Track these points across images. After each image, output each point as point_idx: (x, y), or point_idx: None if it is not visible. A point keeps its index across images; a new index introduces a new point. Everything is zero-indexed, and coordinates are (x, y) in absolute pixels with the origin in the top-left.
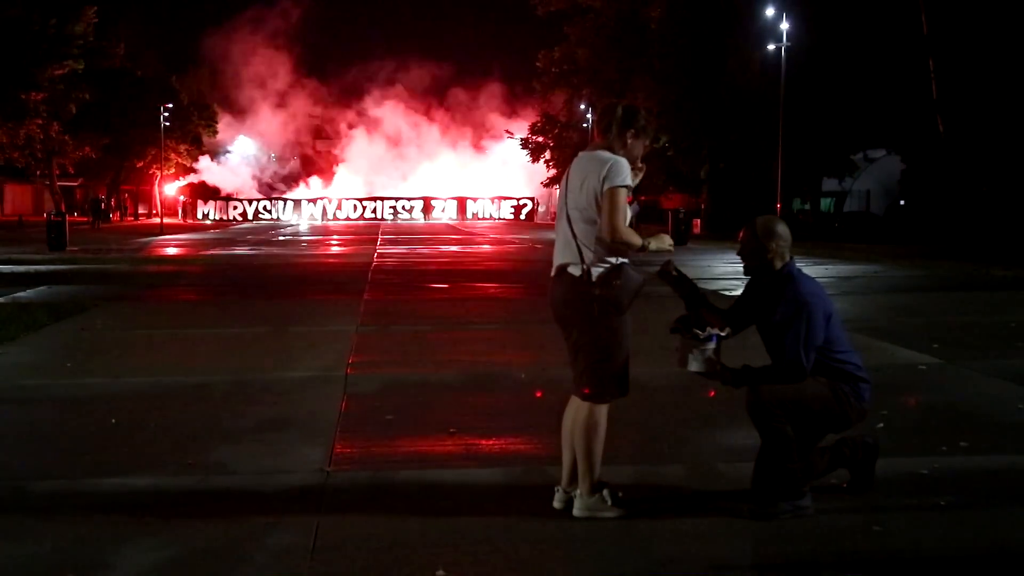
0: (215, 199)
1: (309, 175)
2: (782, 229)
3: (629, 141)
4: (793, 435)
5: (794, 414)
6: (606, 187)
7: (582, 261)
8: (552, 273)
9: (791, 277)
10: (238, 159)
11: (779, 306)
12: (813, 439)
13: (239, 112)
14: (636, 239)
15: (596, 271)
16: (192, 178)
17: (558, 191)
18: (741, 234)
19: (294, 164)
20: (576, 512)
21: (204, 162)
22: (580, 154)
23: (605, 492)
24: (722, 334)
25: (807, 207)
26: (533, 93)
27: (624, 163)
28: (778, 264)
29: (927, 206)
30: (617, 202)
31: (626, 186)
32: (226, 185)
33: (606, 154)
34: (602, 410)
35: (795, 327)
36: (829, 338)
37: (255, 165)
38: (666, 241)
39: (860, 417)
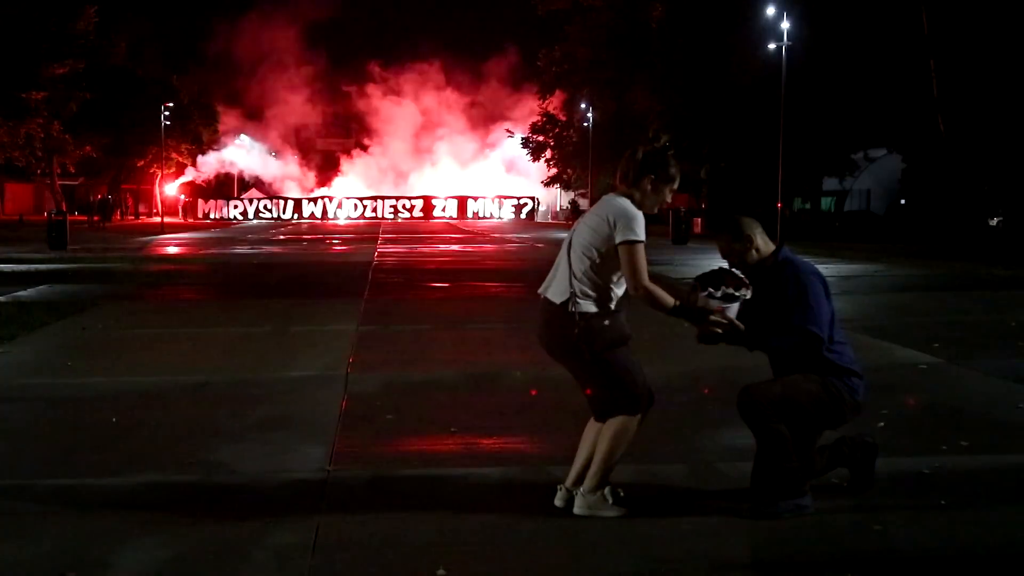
0: (240, 196)
1: (328, 170)
2: (747, 219)
3: (649, 187)
4: (788, 434)
5: (786, 413)
6: (619, 240)
7: (568, 289)
8: (540, 294)
9: (789, 261)
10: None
11: (781, 290)
12: (810, 437)
13: (247, 108)
14: (667, 299)
15: (581, 304)
16: (217, 158)
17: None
18: (719, 245)
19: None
20: (577, 510)
21: (231, 152)
22: (604, 196)
23: (606, 491)
24: (747, 295)
25: (807, 206)
26: (531, 88)
27: (635, 216)
28: (767, 251)
29: (928, 205)
30: (635, 258)
31: (640, 241)
32: (263, 175)
33: (621, 201)
34: (634, 420)
35: (803, 302)
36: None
37: (288, 158)
38: (717, 316)
39: (855, 412)
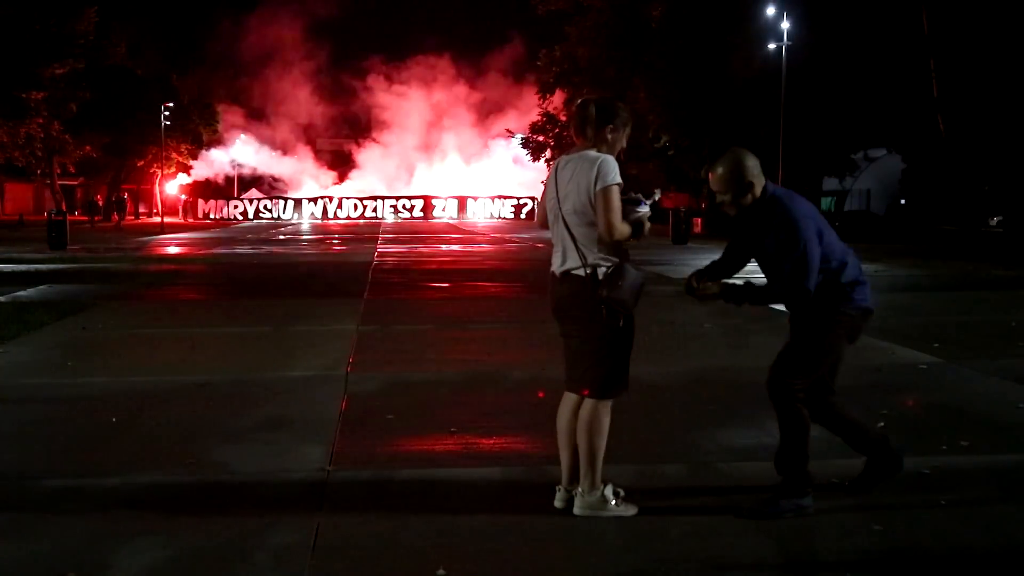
0: (245, 194)
1: (338, 167)
2: (751, 159)
3: (610, 136)
4: (808, 425)
5: (816, 366)
6: (598, 187)
7: (585, 264)
8: (555, 273)
9: (776, 199)
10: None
11: (771, 232)
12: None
13: (248, 108)
14: (627, 229)
15: (601, 271)
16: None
17: (546, 196)
18: (711, 174)
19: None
20: (577, 511)
21: (239, 151)
22: (562, 158)
23: (607, 491)
24: (651, 200)
25: None
26: (534, 82)
27: (612, 161)
28: (758, 189)
29: (928, 205)
30: (611, 201)
31: (618, 184)
32: (277, 173)
33: (593, 153)
34: (607, 407)
35: (792, 252)
36: (824, 253)
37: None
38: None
39: (864, 319)
